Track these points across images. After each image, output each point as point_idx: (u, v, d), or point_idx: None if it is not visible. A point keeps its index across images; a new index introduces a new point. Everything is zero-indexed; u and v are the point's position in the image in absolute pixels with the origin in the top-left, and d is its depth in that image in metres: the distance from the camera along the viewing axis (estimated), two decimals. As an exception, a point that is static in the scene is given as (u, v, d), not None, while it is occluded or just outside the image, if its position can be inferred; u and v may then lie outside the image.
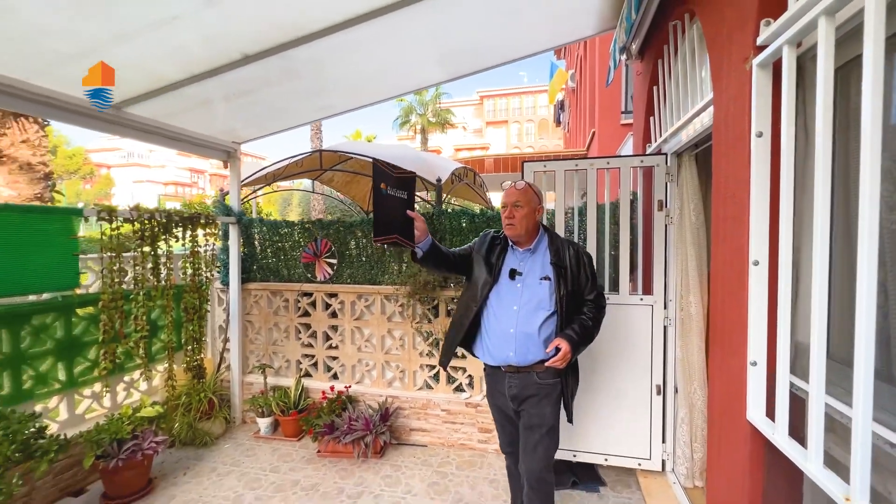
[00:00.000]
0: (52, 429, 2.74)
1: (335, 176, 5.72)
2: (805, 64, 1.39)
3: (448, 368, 3.52)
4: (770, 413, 1.42)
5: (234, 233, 3.88)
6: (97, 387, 3.12)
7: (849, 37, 1.21)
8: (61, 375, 2.88)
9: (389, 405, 3.50)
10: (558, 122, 20.13)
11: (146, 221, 3.05)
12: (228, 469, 3.13)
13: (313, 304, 3.87)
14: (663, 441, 2.84)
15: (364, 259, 3.76)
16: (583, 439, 2.94)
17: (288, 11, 2.21)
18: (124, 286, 2.94)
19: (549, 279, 1.97)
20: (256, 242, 4.06)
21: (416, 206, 2.03)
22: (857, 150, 1.00)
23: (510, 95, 42.05)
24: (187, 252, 3.44)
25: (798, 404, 1.34)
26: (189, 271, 3.43)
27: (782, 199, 1.32)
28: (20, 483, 2.15)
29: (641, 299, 2.85)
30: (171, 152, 45.62)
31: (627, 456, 2.89)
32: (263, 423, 3.61)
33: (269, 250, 4.04)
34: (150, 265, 3.09)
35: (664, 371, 2.82)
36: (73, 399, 3.00)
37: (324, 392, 3.61)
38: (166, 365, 3.27)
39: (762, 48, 1.40)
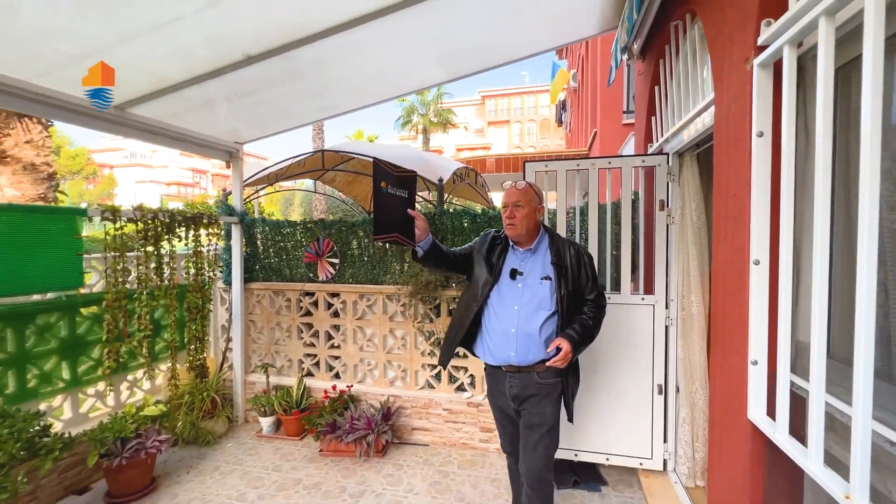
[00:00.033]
0: (57, 427, 2.75)
1: (337, 176, 5.73)
2: (806, 64, 1.40)
3: (450, 368, 3.54)
4: (771, 412, 1.42)
5: (236, 233, 3.90)
6: (101, 386, 3.14)
7: (849, 37, 1.22)
8: (65, 374, 2.90)
9: (391, 404, 3.51)
10: (560, 122, 20.12)
11: (149, 221, 3.06)
12: (231, 468, 3.15)
13: (315, 304, 3.89)
14: (665, 441, 2.84)
15: (366, 259, 3.77)
16: (584, 439, 2.94)
17: (290, 12, 2.22)
18: (128, 286, 2.96)
19: (550, 279, 1.97)
20: (259, 242, 4.07)
21: (418, 206, 2.04)
22: (858, 149, 1.00)
23: (512, 95, 42.01)
24: (190, 252, 3.46)
25: (799, 403, 1.34)
26: (192, 271, 3.45)
27: (783, 199, 1.32)
28: (25, 481, 2.17)
29: (643, 299, 2.85)
30: (173, 152, 45.80)
31: (629, 455, 2.89)
32: (266, 423, 3.63)
33: (271, 250, 4.06)
34: (153, 265, 3.11)
35: (665, 370, 2.82)
36: (77, 398, 3.02)
37: (326, 391, 3.62)
38: (169, 364, 3.29)
39: (763, 48, 1.40)
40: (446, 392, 3.51)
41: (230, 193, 4.00)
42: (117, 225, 2.88)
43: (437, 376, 3.58)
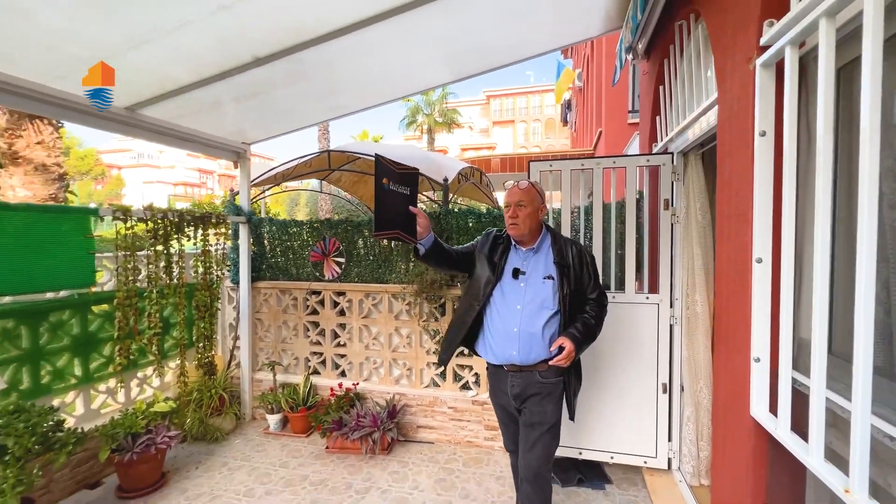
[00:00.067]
0: (69, 423, 2.81)
1: (343, 176, 5.77)
2: (808, 64, 1.41)
3: (455, 367, 3.56)
4: (773, 409, 1.44)
5: (244, 232, 3.95)
6: (112, 382, 3.19)
7: (850, 37, 1.23)
8: (77, 371, 2.96)
9: (397, 402, 3.54)
10: (565, 122, 20.07)
11: (159, 221, 3.11)
12: (239, 464, 3.19)
13: (322, 303, 3.93)
14: (669, 439, 2.85)
15: (372, 258, 3.81)
16: (588, 437, 2.96)
17: (298, 14, 2.26)
18: (138, 284, 3.01)
19: (553, 278, 1.98)
20: (266, 241, 4.12)
21: (423, 205, 2.05)
22: (859, 148, 1.01)
23: (517, 95, 41.95)
24: (199, 251, 3.51)
25: (801, 400, 1.35)
26: (200, 270, 3.49)
27: (784, 198, 1.34)
28: (40, 474, 2.22)
29: (647, 298, 2.86)
30: (180, 153, 46.12)
31: (633, 454, 2.90)
32: (273, 420, 3.67)
33: (278, 249, 4.11)
34: (162, 264, 3.16)
35: (670, 369, 2.83)
36: (89, 394, 3.07)
37: (332, 389, 3.66)
38: (178, 361, 3.34)
39: (765, 48, 1.42)
40: (451, 390, 3.54)
41: (237, 193, 4.05)
42: (128, 224, 2.94)
43: (443, 375, 3.60)
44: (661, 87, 2.97)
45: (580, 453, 2.98)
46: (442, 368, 3.58)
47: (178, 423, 3.35)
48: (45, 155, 5.64)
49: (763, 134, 1.46)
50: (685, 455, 2.70)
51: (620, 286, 2.98)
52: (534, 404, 2.00)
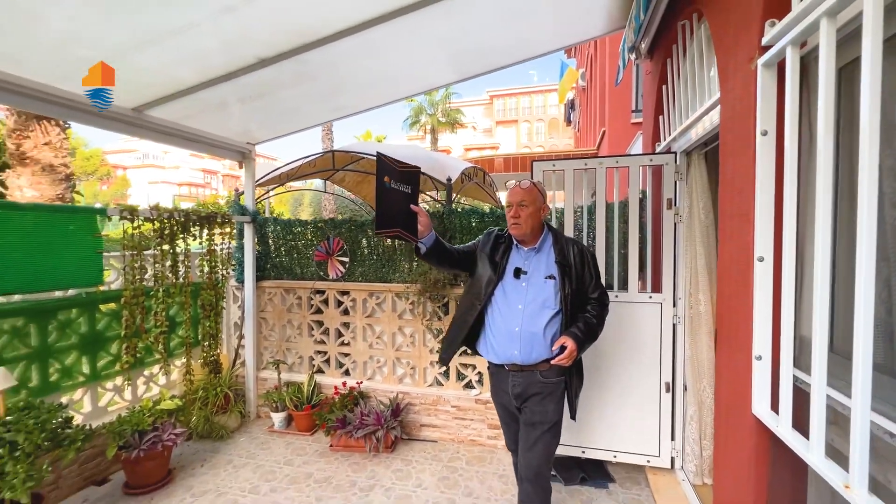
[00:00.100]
0: (77, 420, 2.85)
1: (346, 176, 5.80)
2: (809, 64, 1.42)
3: (458, 366, 3.57)
4: (775, 406, 1.44)
5: (248, 232, 3.98)
6: (119, 380, 3.23)
7: (851, 37, 1.24)
8: (85, 369, 2.99)
9: (400, 401, 3.56)
10: (569, 122, 20.05)
11: (165, 221, 3.15)
12: (244, 461, 3.22)
13: (326, 302, 3.95)
14: (672, 438, 2.85)
15: (375, 257, 3.83)
16: (591, 436, 2.96)
17: (302, 16, 2.28)
18: (145, 283, 3.05)
19: (554, 278, 1.98)
20: (270, 241, 4.15)
21: (427, 205, 2.06)
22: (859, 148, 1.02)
23: (520, 95, 41.89)
24: (204, 250, 3.54)
25: (802, 397, 1.36)
26: (206, 269, 3.53)
27: (786, 197, 1.35)
28: (49, 470, 2.25)
29: (650, 297, 2.87)
30: (184, 154, 46.40)
31: (636, 453, 2.90)
32: (277, 418, 3.70)
33: (282, 249, 4.14)
34: (169, 263, 3.19)
35: (673, 369, 2.83)
36: (97, 392, 3.11)
37: (336, 388, 3.68)
38: (184, 360, 3.37)
39: (767, 48, 1.42)
40: (454, 389, 3.56)
41: (242, 193, 4.09)
42: (135, 224, 2.97)
43: (446, 373, 3.62)
44: (664, 87, 2.98)
45: (583, 452, 2.98)
46: (446, 367, 3.59)
47: (184, 421, 3.38)
48: (53, 155, 5.69)
49: (765, 133, 1.46)
50: (688, 454, 2.70)
51: (623, 285, 2.98)
52: (535, 404, 2.01)
